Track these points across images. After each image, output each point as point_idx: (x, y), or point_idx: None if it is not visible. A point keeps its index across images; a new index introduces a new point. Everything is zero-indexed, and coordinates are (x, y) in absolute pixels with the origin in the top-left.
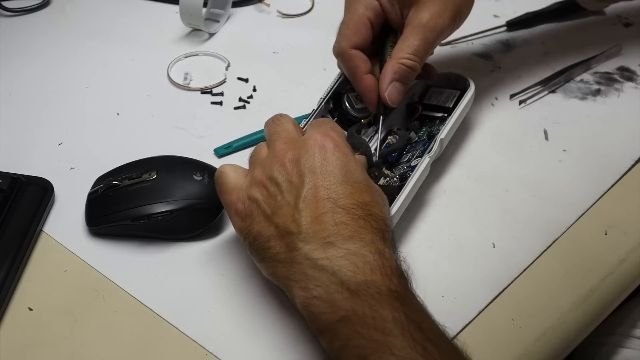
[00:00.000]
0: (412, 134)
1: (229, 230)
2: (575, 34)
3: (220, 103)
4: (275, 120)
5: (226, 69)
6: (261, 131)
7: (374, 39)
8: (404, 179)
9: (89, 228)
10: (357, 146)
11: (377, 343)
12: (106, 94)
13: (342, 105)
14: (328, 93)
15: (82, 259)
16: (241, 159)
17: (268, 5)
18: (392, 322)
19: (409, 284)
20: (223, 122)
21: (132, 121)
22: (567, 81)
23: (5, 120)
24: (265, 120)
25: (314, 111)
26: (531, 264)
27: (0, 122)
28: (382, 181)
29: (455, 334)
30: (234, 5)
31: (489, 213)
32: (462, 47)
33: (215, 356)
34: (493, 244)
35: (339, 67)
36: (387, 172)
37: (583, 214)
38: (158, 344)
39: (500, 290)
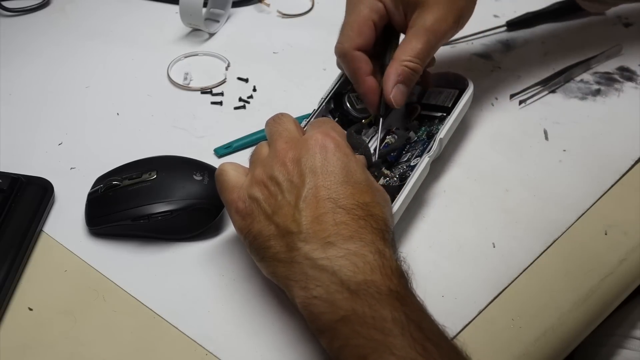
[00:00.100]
0: (412, 134)
1: (229, 230)
2: (575, 34)
3: (220, 103)
4: (277, 120)
5: (226, 69)
6: (261, 131)
7: (375, 41)
8: (403, 179)
9: (89, 228)
10: (357, 146)
11: (376, 343)
12: (106, 94)
13: (343, 106)
14: (329, 93)
15: (82, 259)
16: (241, 159)
17: (268, 5)
18: (392, 322)
19: (409, 284)
20: (223, 122)
21: (132, 121)
22: (567, 81)
23: (5, 120)
24: (266, 120)
25: (314, 111)
26: (531, 264)
27: (0, 122)
28: (381, 181)
29: (455, 334)
30: (234, 5)
31: (489, 213)
32: (462, 47)
33: (215, 356)
34: (493, 244)
35: (339, 67)
36: (386, 171)
37: (583, 214)
38: (158, 344)
39: (500, 290)
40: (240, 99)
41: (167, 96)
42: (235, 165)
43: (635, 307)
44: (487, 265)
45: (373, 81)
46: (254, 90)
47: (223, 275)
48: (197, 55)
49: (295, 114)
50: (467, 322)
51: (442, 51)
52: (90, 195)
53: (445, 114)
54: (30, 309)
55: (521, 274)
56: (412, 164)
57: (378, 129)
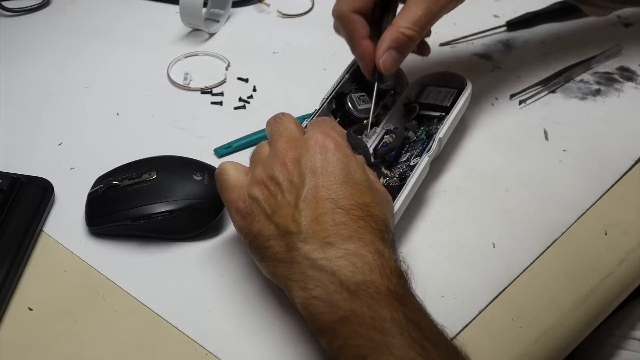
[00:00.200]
0: (410, 134)
1: (229, 230)
2: (575, 34)
3: (220, 103)
4: (277, 119)
5: (226, 69)
6: (261, 131)
7: (374, 5)
8: (403, 179)
9: (89, 228)
10: (356, 146)
11: (375, 343)
12: (106, 94)
13: (345, 106)
14: (331, 93)
15: (82, 259)
16: (241, 159)
17: (268, 5)
18: (391, 322)
19: (408, 284)
20: (223, 122)
21: (132, 121)
22: (567, 81)
23: (5, 120)
24: (267, 119)
25: (316, 111)
26: (531, 264)
27: (0, 122)
28: (381, 181)
29: (455, 334)
30: (234, 5)
31: (489, 213)
32: (462, 47)
33: (215, 356)
34: (493, 244)
35: (336, 30)
36: (386, 171)
37: (583, 214)
38: (158, 344)
39: (500, 290)
40: (240, 99)
41: (167, 96)
42: (235, 164)
43: (634, 308)
44: (487, 265)
45: (369, 44)
46: (254, 90)
47: (223, 275)
48: (197, 55)
49: (295, 114)
50: (467, 322)
51: (442, 51)
52: (90, 195)
53: (444, 114)
54: (30, 309)
55: (521, 274)
56: (411, 163)
57: (372, 99)
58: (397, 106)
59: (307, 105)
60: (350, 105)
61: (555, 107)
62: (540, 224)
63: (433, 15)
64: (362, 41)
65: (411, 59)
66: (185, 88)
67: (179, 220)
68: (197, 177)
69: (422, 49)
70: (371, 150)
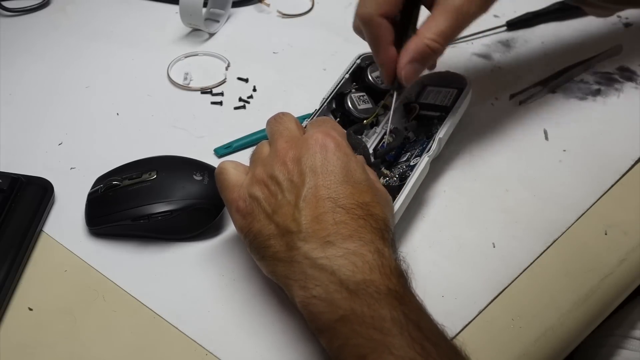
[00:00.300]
0: (410, 133)
1: (229, 230)
2: (575, 34)
3: (220, 103)
4: (277, 119)
5: (226, 69)
6: (261, 131)
7: (401, 9)
8: (403, 179)
9: (89, 228)
10: (355, 146)
11: (375, 342)
12: (106, 94)
13: (345, 106)
14: (331, 93)
15: (82, 259)
16: (241, 159)
17: (268, 5)
18: (391, 321)
19: (407, 283)
20: (223, 122)
21: (132, 121)
22: (567, 81)
23: (5, 120)
24: (267, 119)
25: (316, 111)
26: (531, 264)
27: (0, 122)
28: (381, 181)
29: (455, 334)
30: (234, 5)
31: (489, 213)
32: (462, 47)
33: (215, 356)
34: (493, 244)
35: (356, 30)
36: (386, 171)
37: (583, 214)
38: (158, 344)
39: (500, 290)
40: (240, 99)
41: (167, 96)
42: (235, 163)
43: (634, 308)
44: (487, 265)
45: (393, 52)
46: (254, 90)
47: (223, 275)
48: (197, 55)
49: (295, 114)
50: (467, 322)
51: None
52: (90, 195)
53: (444, 114)
54: (30, 309)
55: (521, 274)
56: (411, 163)
57: (391, 105)
58: (397, 106)
59: (307, 105)
60: (350, 105)
61: (555, 107)
62: (540, 224)
63: (459, 28)
64: (387, 47)
65: None
66: (185, 88)
67: (179, 220)
68: (197, 177)
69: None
70: (371, 150)
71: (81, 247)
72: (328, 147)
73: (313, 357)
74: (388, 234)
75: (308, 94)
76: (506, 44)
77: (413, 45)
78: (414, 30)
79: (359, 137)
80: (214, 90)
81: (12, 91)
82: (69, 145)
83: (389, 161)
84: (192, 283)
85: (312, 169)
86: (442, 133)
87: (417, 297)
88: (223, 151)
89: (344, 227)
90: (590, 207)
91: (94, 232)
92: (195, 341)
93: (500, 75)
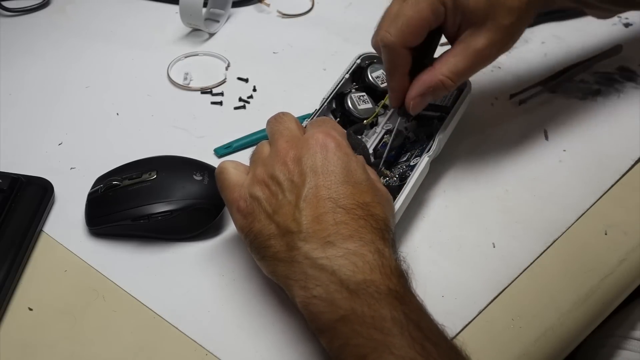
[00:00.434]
0: (410, 134)
1: (229, 230)
2: (575, 34)
3: (220, 103)
4: (278, 119)
5: (226, 69)
6: (261, 131)
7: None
8: (403, 179)
9: (89, 228)
10: (355, 146)
11: (376, 342)
12: (106, 94)
13: (345, 106)
14: (331, 93)
15: (82, 259)
16: (241, 159)
17: (268, 5)
18: (391, 321)
19: (408, 283)
20: (223, 122)
21: (132, 121)
22: (567, 81)
23: (5, 121)
24: (268, 119)
25: (316, 111)
26: (531, 264)
27: (0, 122)
28: (381, 181)
29: (455, 334)
30: (234, 5)
31: (489, 213)
32: None
33: (215, 356)
34: (493, 244)
35: (375, 47)
36: (386, 171)
37: (583, 214)
38: (158, 344)
39: (500, 290)
40: (240, 99)
41: (167, 96)
42: (235, 163)
43: (635, 308)
44: (487, 265)
45: (407, 81)
46: (254, 90)
47: (223, 275)
48: (197, 55)
49: (295, 114)
50: (467, 322)
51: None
52: (90, 195)
53: (444, 114)
54: (30, 309)
55: (521, 274)
56: (411, 163)
57: (393, 129)
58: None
59: (307, 105)
60: (350, 105)
61: (555, 107)
62: (540, 224)
63: (474, 69)
64: (402, 77)
65: None
66: (185, 88)
67: (179, 220)
68: (197, 177)
69: None
70: (371, 150)
71: (81, 247)
72: (328, 147)
73: (313, 357)
74: (388, 234)
75: (308, 94)
76: None
77: (428, 79)
78: (430, 60)
79: (359, 137)
80: (214, 90)
81: (12, 91)
82: (69, 145)
83: (389, 161)
84: (192, 283)
85: (313, 169)
86: (442, 133)
87: (418, 297)
88: (223, 151)
89: (345, 227)
90: (590, 207)
91: (94, 232)
92: (195, 341)
93: (500, 75)
